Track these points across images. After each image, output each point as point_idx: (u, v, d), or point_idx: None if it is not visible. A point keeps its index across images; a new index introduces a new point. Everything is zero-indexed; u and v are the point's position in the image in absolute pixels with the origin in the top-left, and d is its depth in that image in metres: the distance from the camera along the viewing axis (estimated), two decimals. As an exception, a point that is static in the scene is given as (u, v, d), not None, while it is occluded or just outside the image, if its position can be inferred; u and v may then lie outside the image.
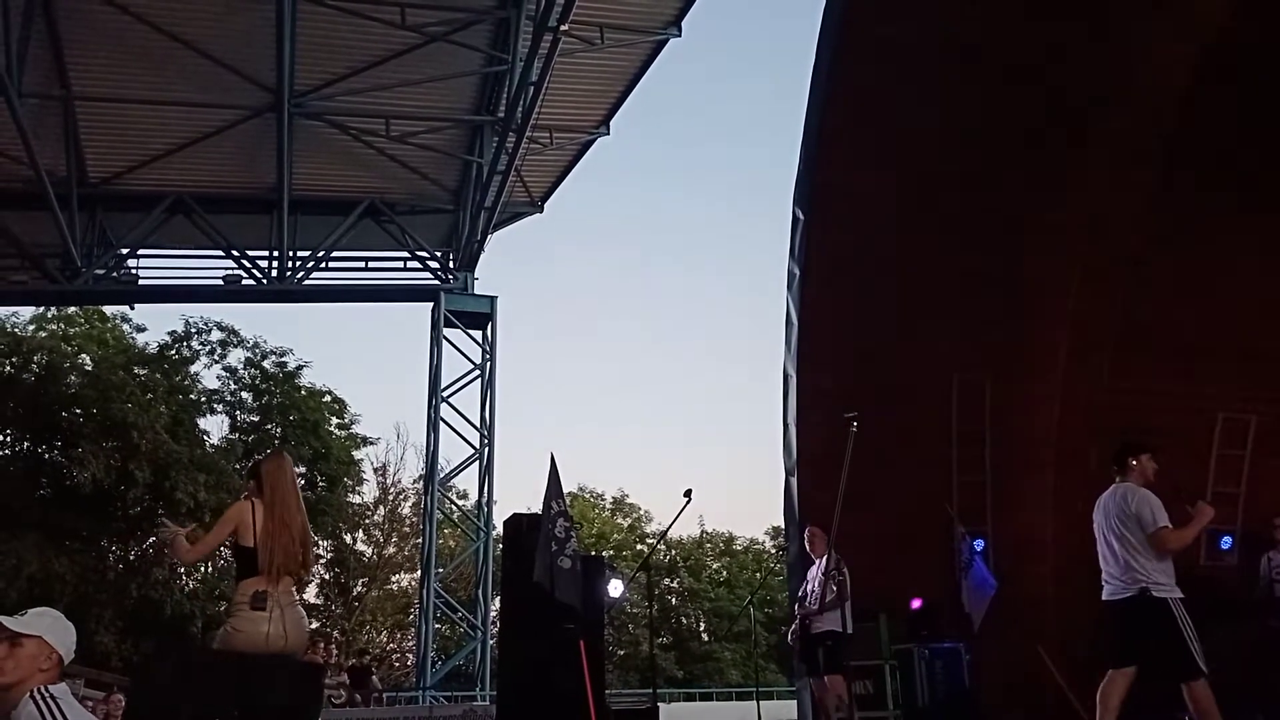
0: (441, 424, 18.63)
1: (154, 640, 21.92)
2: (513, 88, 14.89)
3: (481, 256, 18.98)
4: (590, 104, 17.27)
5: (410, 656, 28.92)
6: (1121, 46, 8.78)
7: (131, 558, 24.80)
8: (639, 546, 37.33)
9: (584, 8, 13.63)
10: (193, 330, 26.50)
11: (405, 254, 19.02)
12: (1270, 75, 8.61)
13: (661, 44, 15.95)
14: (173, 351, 26.36)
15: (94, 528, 23.32)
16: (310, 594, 28.27)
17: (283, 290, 18.36)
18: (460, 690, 19.03)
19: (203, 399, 27.08)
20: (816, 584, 8.10)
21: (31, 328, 24.77)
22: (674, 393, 60.07)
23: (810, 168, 9.64)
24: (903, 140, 9.18)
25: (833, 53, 8.99)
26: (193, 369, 26.92)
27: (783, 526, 11.74)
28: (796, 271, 10.00)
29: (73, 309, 24.80)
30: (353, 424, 29.64)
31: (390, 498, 33.30)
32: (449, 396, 18.74)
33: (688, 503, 8.20)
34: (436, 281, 18.99)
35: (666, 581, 38.06)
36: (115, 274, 18.14)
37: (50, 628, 3.18)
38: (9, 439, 24.30)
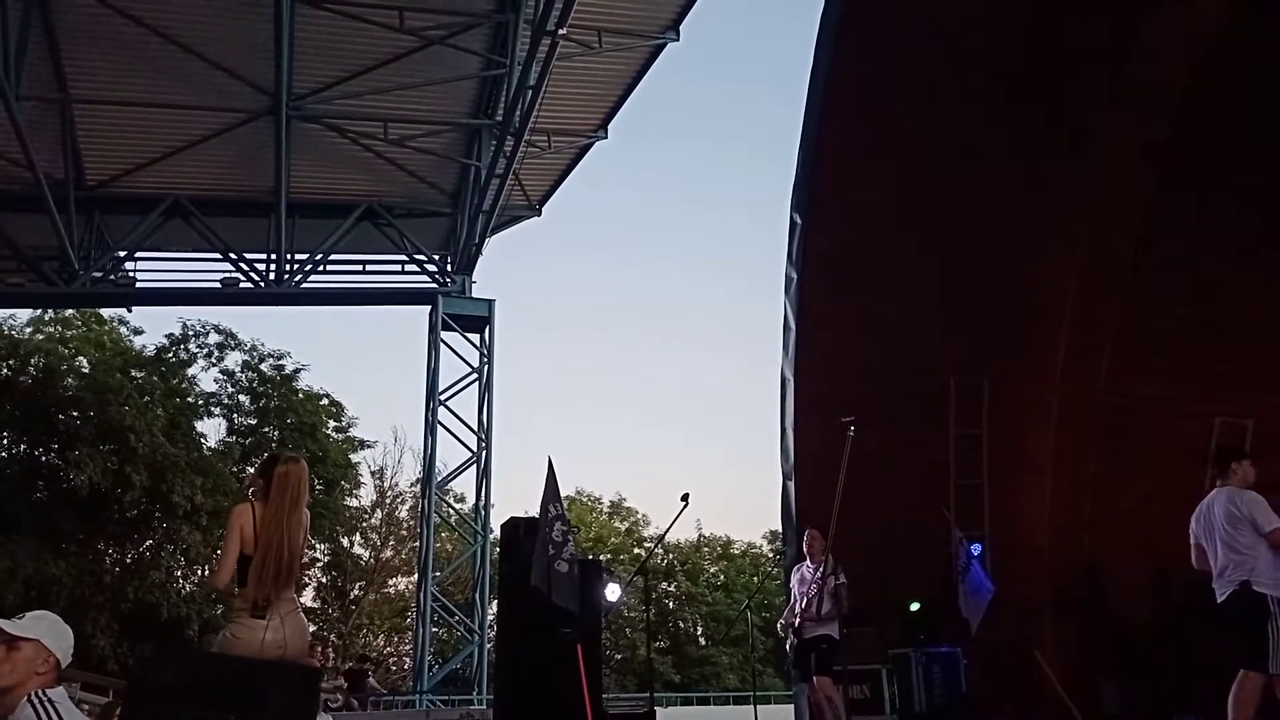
0: (439, 427, 18.61)
1: (152, 644, 21.87)
2: (511, 91, 14.90)
3: (479, 260, 19.00)
4: (588, 108, 17.29)
5: (407, 660, 28.89)
6: (1121, 49, 8.80)
7: (128, 561, 24.74)
8: (636, 550, 37.33)
9: (582, 11, 13.65)
10: (190, 333, 26.50)
11: (403, 257, 19.02)
12: (1270, 79, 8.63)
13: (660, 48, 15.97)
14: (170, 354, 26.33)
15: (91, 531, 23.27)
16: (307, 597, 28.27)
17: (280, 293, 18.36)
18: (457, 694, 19.00)
19: (200, 402, 27.05)
20: (809, 587, 8.09)
21: (29, 330, 24.77)
22: (672, 396, 60.14)
23: (808, 172, 9.65)
24: (901, 144, 9.19)
25: (831, 57, 9.00)
26: (190, 372, 26.92)
27: (780, 530, 11.74)
28: (794, 276, 10.01)
29: (70, 311, 24.79)
30: (350, 427, 29.65)
31: (387, 501, 33.29)
32: (447, 400, 18.74)
33: (685, 507, 8.20)
34: (434, 285, 18.99)
35: (664, 585, 38.03)
36: (113, 277, 18.14)
37: (47, 631, 3.17)
38: (6, 442, 24.25)
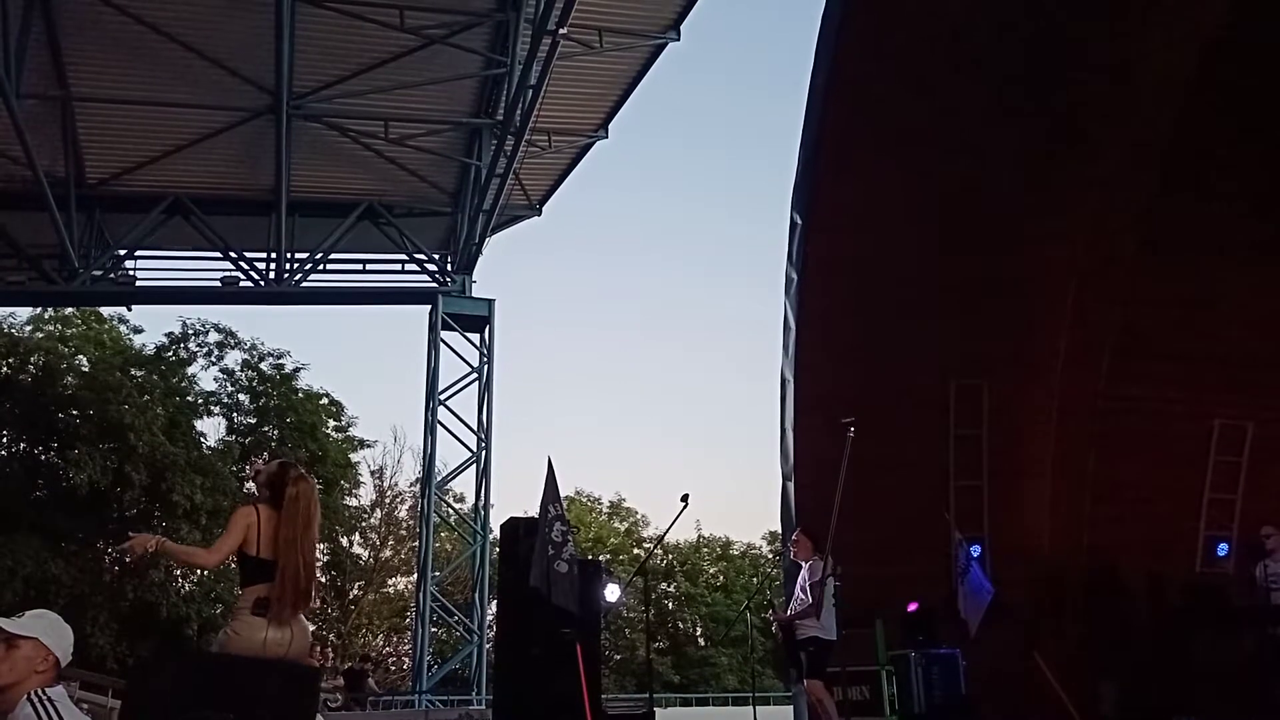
0: (439, 427, 18.60)
1: (151, 643, 21.88)
2: (511, 90, 14.89)
3: (480, 259, 18.99)
4: (589, 107, 17.28)
5: (406, 660, 28.89)
6: (1122, 51, 8.80)
7: (127, 560, 24.73)
8: (636, 551, 37.33)
9: (583, 11, 13.65)
10: (190, 332, 26.49)
11: (403, 256, 19.01)
12: (1270, 82, 8.63)
13: (660, 48, 15.96)
14: (170, 353, 26.32)
15: (90, 529, 23.26)
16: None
17: (280, 292, 18.35)
18: (456, 694, 18.99)
19: (200, 401, 27.04)
20: (801, 588, 8.07)
21: (28, 328, 24.77)
22: (672, 396, 60.12)
23: (808, 172, 9.65)
24: (901, 145, 9.19)
25: (831, 57, 9.00)
26: (190, 371, 26.92)
27: (780, 531, 11.73)
28: (794, 276, 10.01)
29: (70, 310, 24.78)
30: (350, 426, 29.64)
31: (387, 501, 33.29)
32: (446, 399, 18.73)
33: (684, 508, 8.18)
34: (434, 284, 18.98)
35: (663, 586, 38.02)
36: (113, 275, 18.13)
37: (47, 630, 3.17)
38: (5, 440, 24.25)
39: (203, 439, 26.18)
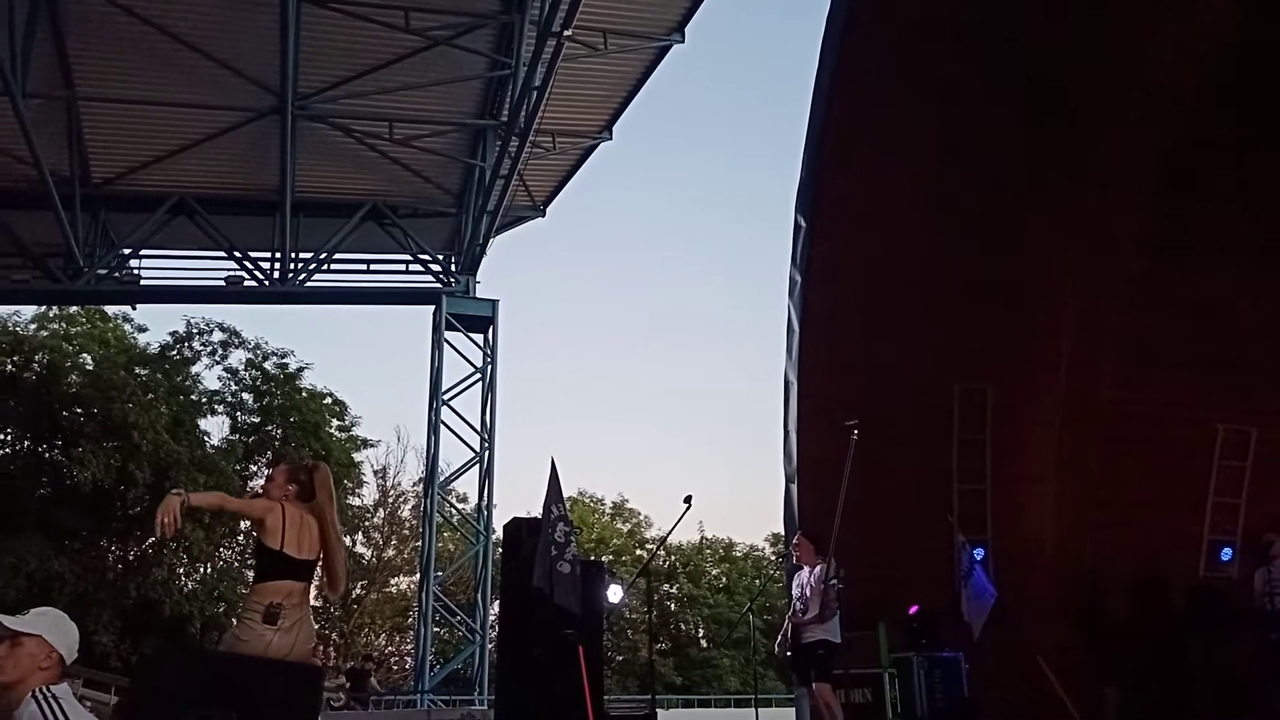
0: (442, 427, 18.62)
1: (155, 641, 21.92)
2: (516, 92, 14.91)
3: (483, 260, 19.00)
4: (593, 109, 17.29)
5: (409, 660, 28.91)
6: (1125, 56, 8.79)
7: (131, 558, 24.79)
8: (638, 552, 37.33)
9: (587, 13, 13.65)
10: (194, 331, 26.54)
11: (407, 257, 19.03)
12: (1275, 86, 8.62)
13: (665, 50, 15.96)
14: (174, 352, 26.37)
15: (94, 527, 23.32)
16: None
17: (285, 292, 18.38)
18: (458, 694, 19.01)
19: (203, 399, 27.10)
20: (808, 591, 8.06)
21: (33, 327, 24.81)
22: (675, 397, 60.11)
23: (812, 174, 9.65)
24: (905, 148, 9.19)
25: (836, 60, 9.00)
26: (194, 369, 26.97)
27: (783, 533, 11.73)
28: (798, 278, 10.01)
29: (74, 308, 24.82)
30: (353, 426, 29.69)
31: (390, 500, 33.36)
32: (450, 400, 18.74)
33: (687, 509, 8.17)
34: (438, 284, 19.00)
35: (666, 587, 38.02)
36: (117, 274, 18.17)
37: (50, 627, 3.19)
38: (10, 438, 24.31)
39: (206, 438, 26.24)
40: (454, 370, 18.90)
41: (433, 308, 18.94)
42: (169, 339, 26.40)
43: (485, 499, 18.78)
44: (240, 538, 26.83)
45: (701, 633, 38.54)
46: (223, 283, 18.40)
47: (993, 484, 10.23)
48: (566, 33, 13.08)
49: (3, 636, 3.11)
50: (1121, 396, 10.38)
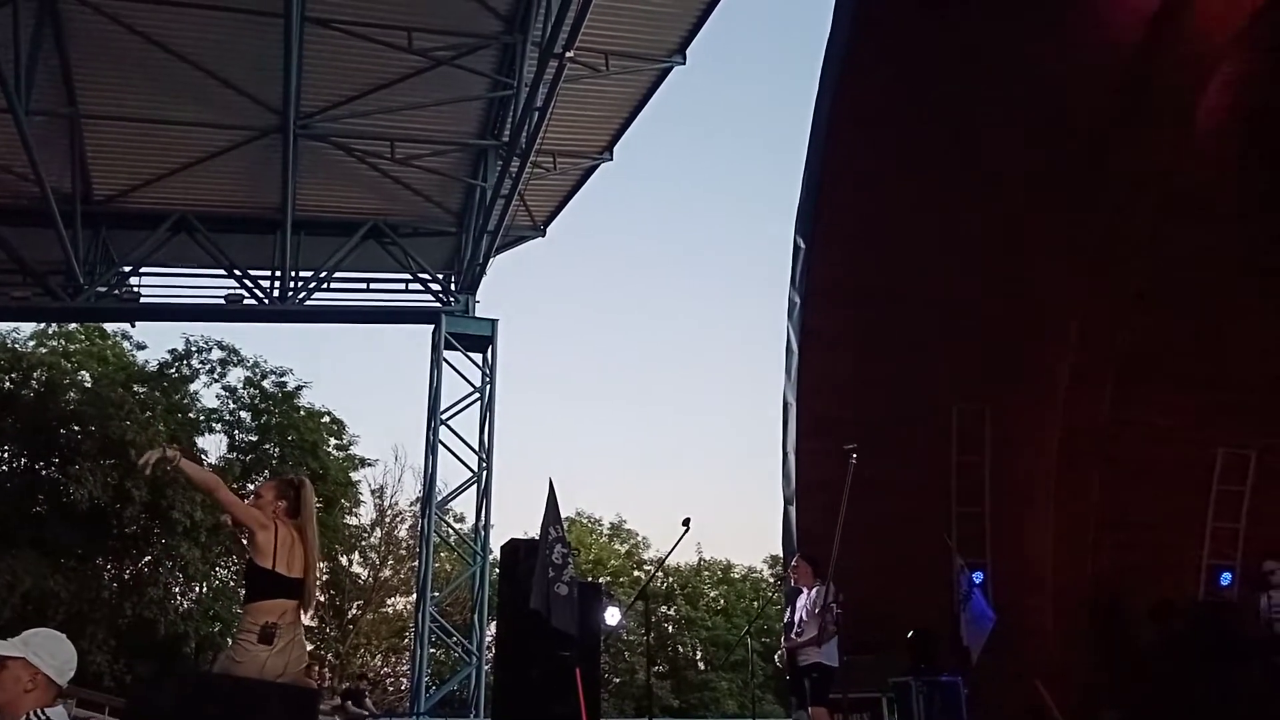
0: (440, 447, 18.58)
1: (150, 661, 21.78)
2: (517, 113, 14.97)
3: (483, 279, 19.02)
4: (594, 129, 17.36)
5: (404, 681, 28.71)
6: (1131, 74, 8.84)
7: (127, 577, 24.66)
8: (636, 573, 37.13)
9: (589, 35, 13.72)
10: (193, 349, 26.48)
11: (407, 276, 19.04)
12: (1275, 112, 8.67)
13: (666, 71, 16.04)
14: (172, 370, 26.33)
15: (90, 546, 23.18)
16: (305, 617, 28.06)
17: (284, 310, 18.38)
18: (454, 716, 18.89)
19: (201, 418, 27.03)
20: (804, 614, 8.02)
21: (32, 344, 24.77)
22: (674, 418, 59.92)
23: (812, 196, 9.69)
24: (905, 171, 9.23)
25: (836, 83, 9.06)
26: (192, 387, 26.89)
27: (781, 555, 11.69)
28: (797, 300, 10.03)
29: (73, 326, 24.81)
30: (351, 445, 29.55)
31: (387, 520, 33.15)
32: (448, 419, 18.71)
33: (686, 531, 8.12)
34: (438, 304, 19.01)
35: (663, 609, 37.81)
36: (118, 292, 18.16)
37: (37, 649, 3.16)
38: (7, 455, 24.23)
39: (204, 456, 26.14)
40: (453, 389, 18.89)
41: (432, 327, 18.94)
42: (168, 357, 26.36)
43: (483, 519, 18.72)
44: (235, 558, 26.74)
45: (699, 655, 38.30)
46: (223, 301, 18.41)
47: (991, 506, 10.22)
48: (568, 54, 13.14)
49: (-11, 660, 3.10)
50: (1121, 418, 10.39)
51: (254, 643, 4.26)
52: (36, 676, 3.11)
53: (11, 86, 12.75)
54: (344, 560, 31.20)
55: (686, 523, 8.02)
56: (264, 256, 18.15)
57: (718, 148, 64.36)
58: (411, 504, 31.28)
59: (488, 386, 18.90)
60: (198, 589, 26.16)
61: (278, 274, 18.09)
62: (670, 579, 38.16)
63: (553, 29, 12.93)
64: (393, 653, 33.04)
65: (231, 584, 26.93)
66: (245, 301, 18.31)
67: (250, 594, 4.53)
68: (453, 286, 19.09)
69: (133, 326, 23.99)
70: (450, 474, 19.35)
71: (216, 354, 26.83)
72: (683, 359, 61.94)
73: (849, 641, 7.91)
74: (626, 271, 62.47)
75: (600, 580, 29.18)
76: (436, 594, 18.86)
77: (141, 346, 26.40)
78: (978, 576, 9.74)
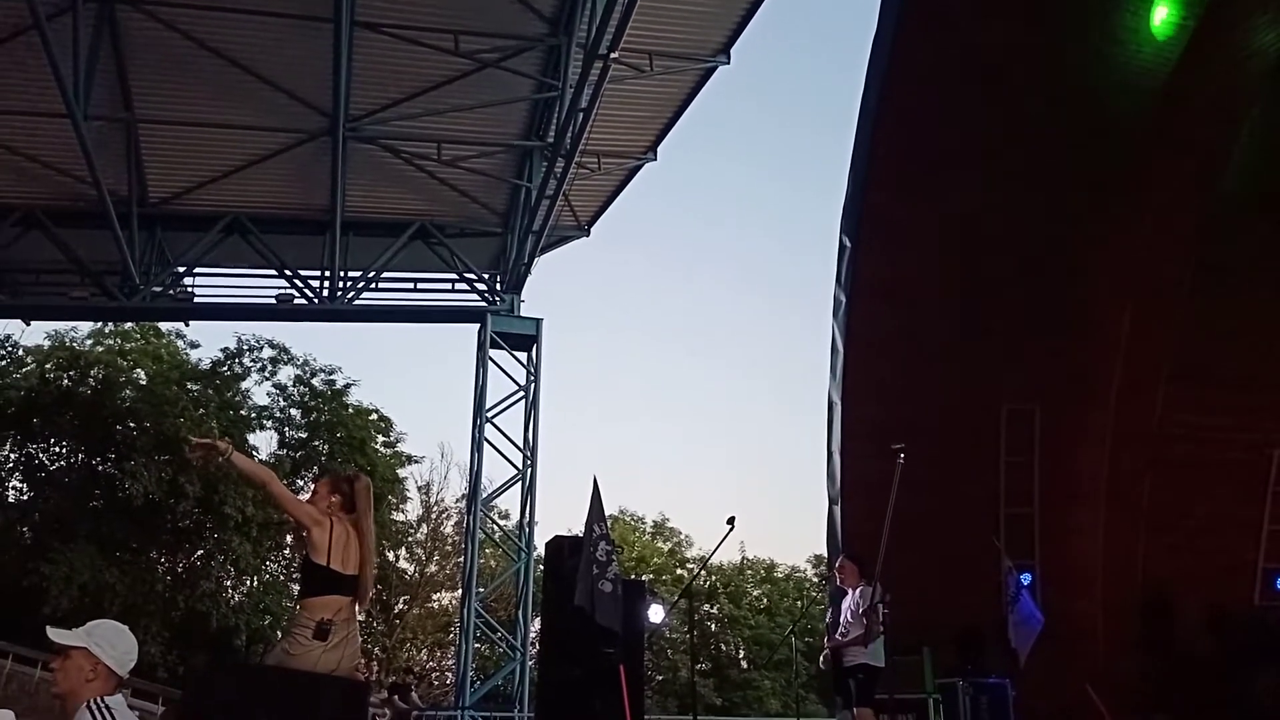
0: (485, 444, 18.70)
1: (202, 653, 22.22)
2: (562, 114, 15.04)
3: (528, 279, 19.14)
4: (638, 130, 17.38)
5: (450, 675, 28.99)
6: (1178, 78, 8.70)
7: (180, 570, 25.20)
8: (679, 571, 37.14)
9: (634, 35, 13.74)
10: (245, 347, 27.00)
11: (453, 275, 19.20)
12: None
13: (710, 71, 16.01)
14: (225, 368, 26.84)
15: (144, 540, 23.73)
16: (359, 612, 28.43)
17: (333, 309, 18.63)
18: (499, 710, 19.00)
19: (252, 415, 27.52)
20: (849, 614, 7.98)
21: (89, 342, 25.39)
22: (718, 417, 59.89)
23: (858, 194, 9.64)
24: (951, 169, 9.17)
25: (882, 80, 9.01)
26: (243, 385, 27.41)
27: (825, 555, 11.65)
28: (843, 299, 9.99)
29: (129, 324, 25.36)
30: (398, 442, 29.95)
31: (433, 516, 33.52)
32: (493, 417, 18.83)
33: (730, 530, 8.13)
34: (483, 303, 19.15)
35: (706, 607, 37.77)
36: (172, 291, 18.52)
37: (99, 640, 3.27)
38: (65, 451, 24.85)
39: (255, 452, 26.61)
40: (497, 388, 19.01)
41: (478, 326, 19.08)
42: (220, 355, 26.91)
43: (527, 516, 18.82)
44: (286, 551, 27.18)
45: (742, 654, 38.21)
46: (274, 300, 18.70)
47: (1040, 507, 10.11)
48: (613, 55, 13.16)
49: (56, 649, 3.21)
50: (1173, 419, 10.22)
51: (309, 638, 4.25)
52: (98, 666, 3.21)
53: (71, 93, 13.07)
54: (391, 555, 31.59)
55: (731, 521, 8.04)
56: (314, 257, 18.41)
57: (762, 146, 64.19)
58: (457, 500, 31.63)
59: (532, 385, 19.01)
60: (249, 582, 26.65)
61: (327, 274, 18.35)
62: (713, 577, 38.12)
63: (597, 30, 12.97)
64: (438, 647, 33.37)
65: (282, 578, 27.39)
66: (296, 301, 18.58)
67: (305, 589, 4.55)
68: (498, 286, 19.23)
69: (186, 325, 24.54)
70: (495, 471, 19.43)
71: (267, 352, 27.36)
72: (728, 356, 61.90)
73: (895, 642, 7.87)
74: (669, 270, 62.57)
75: (643, 578, 29.24)
76: (481, 590, 19.02)
77: (195, 345, 26.99)
78: (1026, 578, 9.63)
